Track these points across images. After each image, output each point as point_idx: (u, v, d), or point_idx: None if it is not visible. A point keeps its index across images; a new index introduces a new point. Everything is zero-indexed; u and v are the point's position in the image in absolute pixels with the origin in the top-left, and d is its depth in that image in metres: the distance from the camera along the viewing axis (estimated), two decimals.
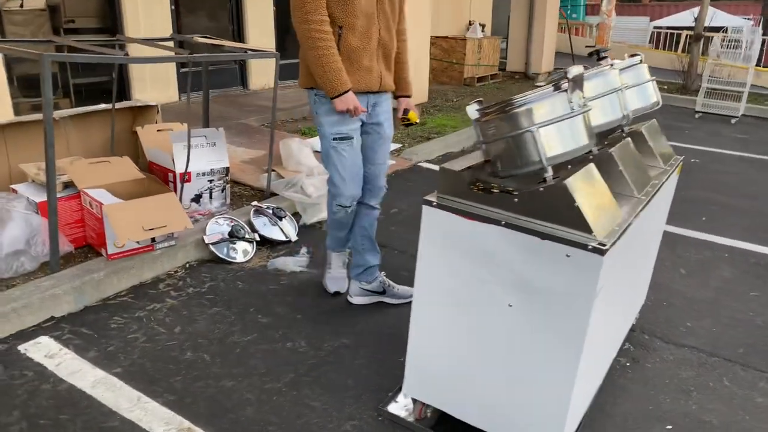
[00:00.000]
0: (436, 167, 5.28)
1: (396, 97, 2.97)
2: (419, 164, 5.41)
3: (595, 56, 2.51)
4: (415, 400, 2.21)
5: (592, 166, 1.86)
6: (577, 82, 1.89)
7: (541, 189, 1.73)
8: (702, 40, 9.93)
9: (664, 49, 15.66)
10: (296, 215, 3.94)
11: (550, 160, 1.72)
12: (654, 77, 2.53)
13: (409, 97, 2.97)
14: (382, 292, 3.06)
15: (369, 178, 2.91)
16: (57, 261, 2.97)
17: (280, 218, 3.72)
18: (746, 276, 3.54)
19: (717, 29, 9.10)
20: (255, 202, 3.81)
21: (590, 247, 1.66)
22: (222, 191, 3.84)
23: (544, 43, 10.84)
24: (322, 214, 3.90)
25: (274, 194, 4.13)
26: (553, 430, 1.88)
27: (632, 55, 2.55)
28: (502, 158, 1.79)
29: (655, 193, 2.19)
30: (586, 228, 1.69)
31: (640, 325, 2.91)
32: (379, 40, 2.71)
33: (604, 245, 1.65)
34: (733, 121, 8.20)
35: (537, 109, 1.70)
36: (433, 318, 2.01)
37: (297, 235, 3.70)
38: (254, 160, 4.82)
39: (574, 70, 1.87)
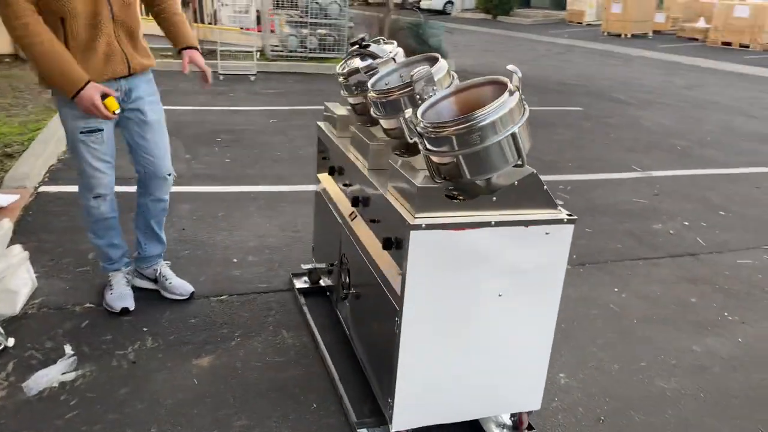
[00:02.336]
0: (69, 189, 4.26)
1: (179, 51, 2.74)
2: (44, 190, 4.22)
3: None
4: None
5: None
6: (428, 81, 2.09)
7: (516, 183, 1.89)
8: (190, 5, 10.36)
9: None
10: None
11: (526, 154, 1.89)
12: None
13: (195, 48, 2.76)
14: (154, 281, 3.02)
15: (147, 171, 2.77)
16: None
17: None
18: None
19: None
20: None
21: (565, 220, 1.94)
22: None
23: None
24: (25, 292, 2.81)
25: None
26: (534, 390, 2.15)
27: None
28: (472, 164, 1.83)
29: None
30: (552, 205, 1.95)
31: None
32: (115, 19, 2.47)
33: (572, 215, 1.96)
34: (252, 78, 9.08)
35: (509, 110, 1.81)
36: (426, 335, 1.94)
37: (8, 338, 2.58)
38: None
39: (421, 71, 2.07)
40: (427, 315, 1.92)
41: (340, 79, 2.76)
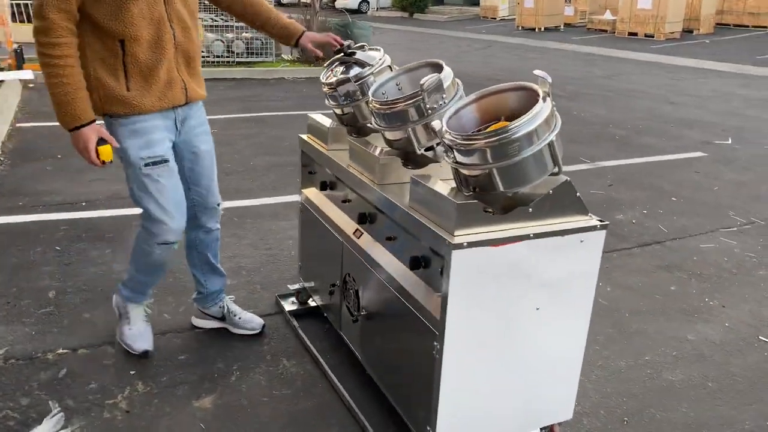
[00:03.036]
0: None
1: (296, 44, 2.66)
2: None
3: None
4: None
5: None
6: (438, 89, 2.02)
7: (551, 191, 1.83)
8: None
9: None
10: None
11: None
12: None
13: (305, 32, 2.67)
14: (222, 319, 2.81)
15: (197, 203, 2.56)
16: None
17: None
18: None
19: None
20: None
21: (598, 226, 1.90)
22: None
23: None
24: None
25: None
26: (568, 400, 2.10)
27: None
28: (507, 176, 1.75)
29: None
30: (585, 211, 1.91)
31: None
32: (177, 46, 2.27)
33: (603, 220, 1.93)
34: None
35: (545, 118, 1.74)
36: (467, 357, 1.85)
37: None
38: None
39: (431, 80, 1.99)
40: (468, 337, 1.83)
41: (325, 89, 2.62)
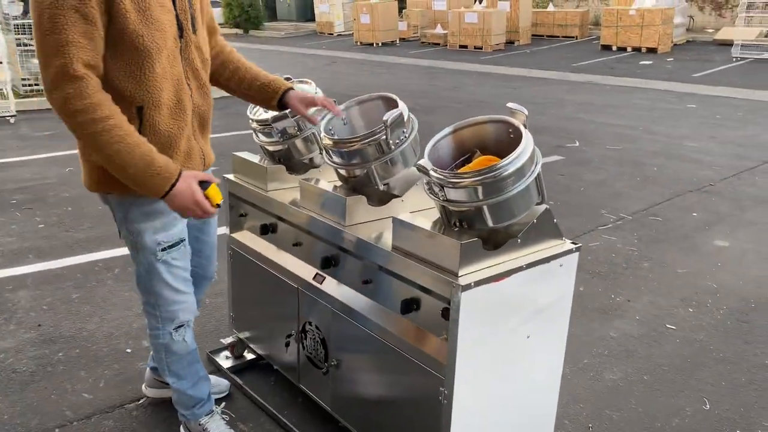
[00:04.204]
0: None
1: (279, 103, 2.18)
2: None
3: None
4: None
5: None
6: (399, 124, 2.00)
7: (535, 221, 1.85)
8: None
9: None
10: None
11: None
12: None
13: (292, 89, 2.20)
14: None
15: (196, 273, 2.21)
16: None
17: None
18: None
19: None
20: None
21: (573, 249, 1.96)
22: None
23: None
24: None
25: None
26: (549, 418, 2.14)
27: None
28: (497, 212, 1.74)
29: None
30: (560, 236, 1.96)
31: None
32: (194, 109, 1.95)
33: (576, 242, 1.99)
34: (12, 120, 7.63)
35: (532, 151, 1.76)
36: (473, 399, 1.81)
37: None
38: None
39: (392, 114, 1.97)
40: (474, 377, 1.80)
41: (255, 125, 2.45)
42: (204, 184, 1.80)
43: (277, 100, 2.17)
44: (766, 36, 14.69)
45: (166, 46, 1.79)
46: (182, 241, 2.03)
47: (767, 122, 8.27)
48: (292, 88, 2.20)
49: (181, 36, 1.85)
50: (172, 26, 1.81)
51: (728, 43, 14.68)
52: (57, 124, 7.85)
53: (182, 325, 2.10)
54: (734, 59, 13.57)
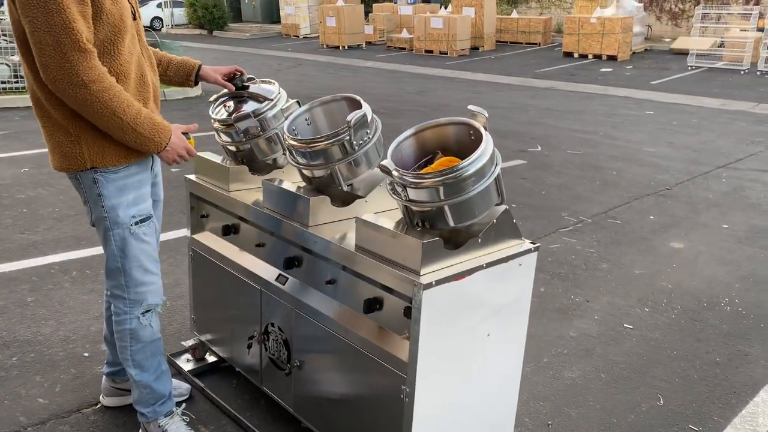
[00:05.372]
0: None
1: (196, 78, 2.42)
2: None
3: None
4: None
5: None
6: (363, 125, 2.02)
7: (495, 221, 1.88)
8: None
9: None
10: None
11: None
12: None
13: (202, 65, 2.44)
14: None
15: None
16: None
17: None
18: None
19: None
20: None
21: (532, 249, 2.00)
22: None
23: None
24: None
25: None
26: (509, 417, 2.17)
27: None
28: (458, 212, 1.77)
29: None
30: (519, 236, 2.00)
31: None
32: (153, 84, 2.11)
33: (535, 242, 2.03)
34: None
35: (492, 152, 1.79)
36: (435, 397, 1.83)
37: None
38: None
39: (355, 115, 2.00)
40: (435, 375, 1.82)
41: (217, 125, 2.43)
42: (186, 135, 2.12)
43: (194, 75, 2.41)
44: (719, 46, 15.21)
45: (129, 25, 1.98)
46: (150, 217, 2.13)
47: (720, 129, 8.57)
48: (201, 65, 2.43)
49: (134, 18, 2.04)
50: (128, 9, 1.99)
51: (684, 52, 15.18)
52: (11, 124, 7.63)
53: (150, 310, 2.15)
54: (689, 68, 14.02)
